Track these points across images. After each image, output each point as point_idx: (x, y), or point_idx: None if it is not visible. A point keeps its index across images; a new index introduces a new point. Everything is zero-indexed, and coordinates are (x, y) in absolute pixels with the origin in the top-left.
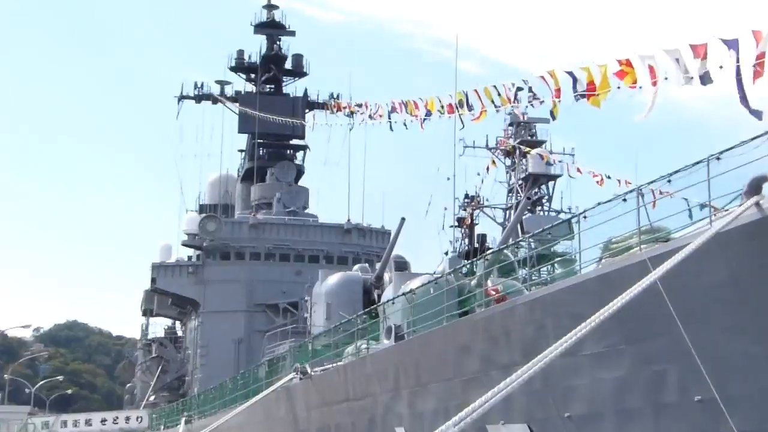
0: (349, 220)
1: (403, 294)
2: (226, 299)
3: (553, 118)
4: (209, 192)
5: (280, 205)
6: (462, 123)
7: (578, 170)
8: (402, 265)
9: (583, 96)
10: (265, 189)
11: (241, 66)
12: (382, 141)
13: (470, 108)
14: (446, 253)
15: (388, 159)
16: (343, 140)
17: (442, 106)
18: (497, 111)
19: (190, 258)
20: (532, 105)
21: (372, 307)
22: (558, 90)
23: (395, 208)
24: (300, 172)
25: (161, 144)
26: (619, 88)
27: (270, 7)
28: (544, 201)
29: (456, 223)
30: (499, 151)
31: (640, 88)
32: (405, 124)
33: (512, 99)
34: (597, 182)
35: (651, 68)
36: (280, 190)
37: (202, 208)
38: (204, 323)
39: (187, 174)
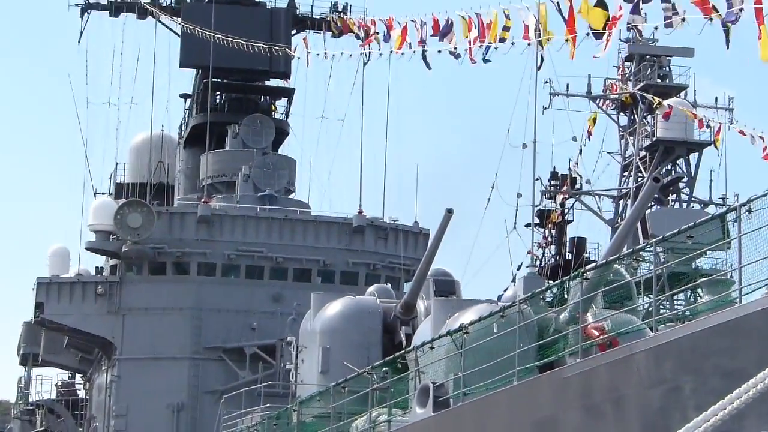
0: (361, 212)
1: (449, 334)
2: (158, 339)
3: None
4: (133, 164)
5: (249, 185)
6: (543, 57)
7: (742, 133)
8: (447, 287)
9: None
10: (224, 160)
11: None
12: (413, 84)
13: (555, 35)
14: (519, 269)
15: (423, 115)
16: (353, 82)
17: (508, 28)
18: (603, 37)
19: (99, 271)
20: (667, 25)
21: (398, 354)
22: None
23: (435, 195)
24: (281, 132)
25: (54, 84)
26: None
27: None
28: (681, 185)
29: (536, 220)
30: (608, 102)
31: None
32: (453, 55)
33: (630, 16)
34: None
35: None
36: (250, 161)
37: (119, 190)
38: (122, 378)
39: (97, 135)
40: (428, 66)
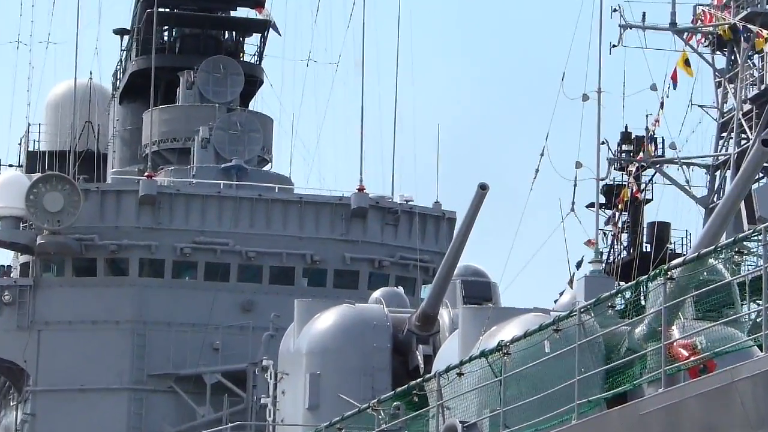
0: (361, 189)
1: (483, 355)
2: (86, 365)
3: None
4: (50, 125)
5: (209, 153)
6: None
7: None
8: (481, 291)
9: None
10: (174, 119)
11: None
12: (431, 15)
13: None
14: (579, 266)
15: (444, 57)
16: (350, 12)
17: None
18: None
19: (5, 272)
20: None
21: (414, 383)
22: None
23: (462, 166)
24: (253, 81)
25: None
26: None
27: None
28: None
29: (602, 200)
30: (699, 38)
31: None
32: None
33: None
34: None
35: None
36: (210, 120)
37: (32, 161)
38: (37, 418)
39: (1, 86)
40: None
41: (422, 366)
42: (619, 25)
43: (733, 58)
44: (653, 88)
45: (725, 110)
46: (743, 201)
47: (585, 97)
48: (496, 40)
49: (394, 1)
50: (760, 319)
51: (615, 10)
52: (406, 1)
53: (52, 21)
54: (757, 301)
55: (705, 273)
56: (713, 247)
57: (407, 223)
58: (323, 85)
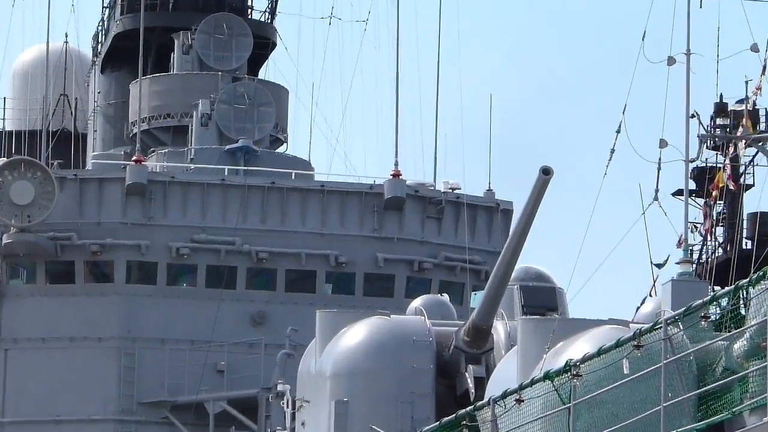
0: (397, 174)
1: (548, 377)
2: (64, 391)
3: None
4: (17, 99)
5: (211, 132)
6: None
7: None
8: (544, 299)
9: None
10: (169, 90)
11: None
12: None
13: None
14: (662, 266)
15: (497, 15)
16: None
17: None
18: None
19: None
20: None
21: (463, 411)
22: None
23: (518, 148)
24: (263, 44)
25: None
26: None
27: None
28: None
29: (693, 185)
30: None
31: None
32: None
33: None
34: None
35: None
36: (212, 92)
37: None
38: None
39: None
40: None
41: (473, 391)
42: None
43: None
44: (754, 48)
45: None
46: None
47: (671, 61)
48: None
49: None
50: None
51: None
52: None
53: None
54: None
55: None
56: None
57: (453, 215)
58: (349, 48)
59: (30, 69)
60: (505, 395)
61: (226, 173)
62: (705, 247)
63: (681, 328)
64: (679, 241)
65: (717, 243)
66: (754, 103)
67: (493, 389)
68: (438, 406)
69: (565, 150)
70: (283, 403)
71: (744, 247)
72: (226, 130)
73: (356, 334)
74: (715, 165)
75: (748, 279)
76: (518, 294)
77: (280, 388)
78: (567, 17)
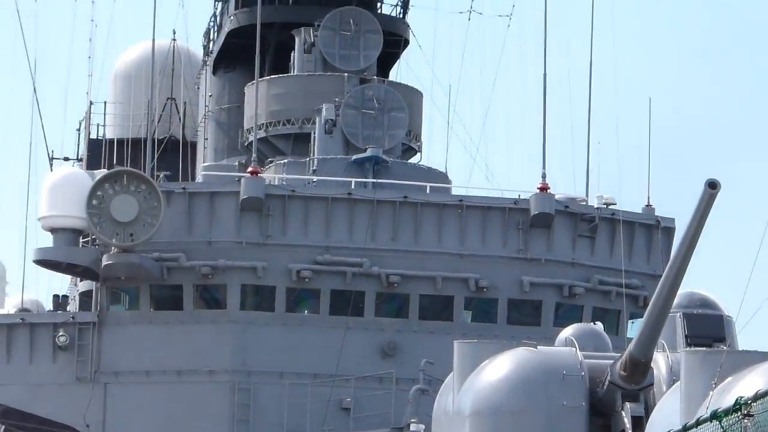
0: (545, 187)
1: (716, 417)
2: (169, 430)
3: None
4: (120, 104)
5: (336, 141)
6: None
7: None
8: (711, 328)
9: None
10: (289, 94)
11: None
12: None
13: None
14: None
15: (660, 12)
16: None
17: None
18: None
19: (60, 304)
20: None
21: None
22: None
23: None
24: (394, 42)
25: None
26: None
27: None
28: None
29: None
30: None
31: None
32: None
33: None
34: None
35: None
36: (337, 95)
37: (95, 152)
38: None
39: (54, 50)
40: None
41: (631, 431)
42: None
43: None
44: None
45: None
46: None
47: None
48: None
49: None
50: None
51: None
52: None
53: None
54: None
55: None
56: None
57: (608, 234)
58: (491, 46)
59: (134, 70)
60: None
61: (352, 186)
62: None
63: None
64: None
65: None
66: None
67: (653, 430)
68: None
69: (733, 161)
70: None
71: None
72: (352, 138)
73: (499, 367)
74: None
75: None
76: (681, 323)
77: (413, 428)
78: (732, 17)
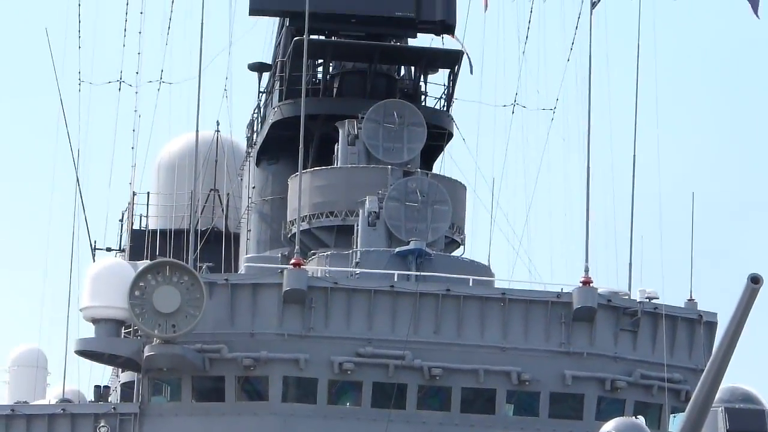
0: (588, 281)
1: None
2: None
3: None
4: (162, 195)
5: (379, 233)
6: None
7: None
8: (752, 423)
9: None
10: (332, 185)
11: None
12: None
13: None
14: None
15: (704, 94)
16: (572, 38)
17: None
18: None
19: (102, 394)
20: None
21: None
22: None
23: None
24: (438, 134)
25: (16, 47)
26: None
27: None
28: None
29: None
30: None
31: None
32: None
33: None
34: None
35: None
36: (381, 187)
37: (138, 243)
38: None
39: (98, 141)
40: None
41: None
42: None
43: None
44: None
45: None
46: None
47: None
48: None
49: (628, 25)
50: None
51: None
52: (647, 26)
53: (167, 53)
54: None
55: None
56: None
57: (650, 328)
58: (534, 139)
59: (177, 161)
60: None
61: (395, 279)
62: None
63: None
64: None
65: None
66: None
67: None
68: None
69: None
70: None
71: None
72: (396, 231)
73: None
74: None
75: None
76: (723, 417)
77: None
78: None
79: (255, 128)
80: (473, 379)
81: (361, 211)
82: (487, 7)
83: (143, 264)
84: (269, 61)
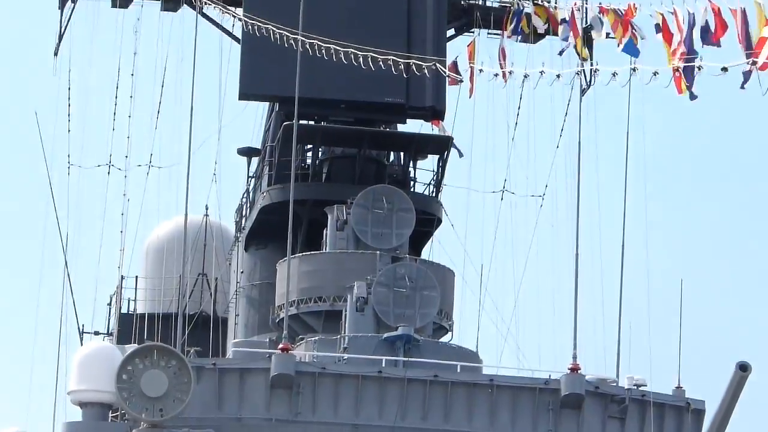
0: (575, 368)
1: None
2: None
3: None
4: (151, 279)
5: (367, 319)
6: None
7: None
8: None
9: None
10: (320, 271)
11: None
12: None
13: None
14: None
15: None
16: (560, 126)
17: None
18: None
19: None
20: None
21: None
22: None
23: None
24: (427, 221)
25: (7, 129)
26: None
27: None
28: None
29: None
30: None
31: None
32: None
33: None
34: None
35: None
36: (369, 273)
37: (126, 327)
38: None
39: (86, 225)
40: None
41: None
42: None
43: None
44: None
45: None
46: None
47: None
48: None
49: (617, 111)
50: None
51: None
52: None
53: (156, 137)
54: None
55: None
56: None
57: (638, 415)
58: (523, 226)
59: (166, 245)
60: None
61: (383, 364)
62: None
63: None
64: None
65: None
66: None
67: None
68: None
69: (763, 343)
70: None
71: None
72: (384, 317)
73: None
74: None
75: None
76: None
77: None
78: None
79: (244, 213)
80: None
81: (349, 296)
82: (472, 93)
83: (131, 348)
84: (258, 145)
